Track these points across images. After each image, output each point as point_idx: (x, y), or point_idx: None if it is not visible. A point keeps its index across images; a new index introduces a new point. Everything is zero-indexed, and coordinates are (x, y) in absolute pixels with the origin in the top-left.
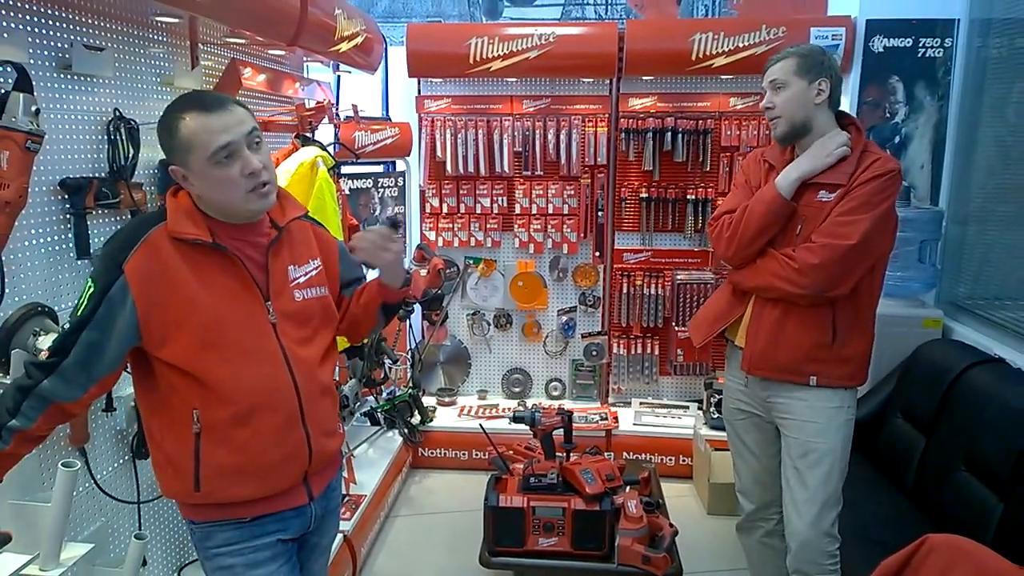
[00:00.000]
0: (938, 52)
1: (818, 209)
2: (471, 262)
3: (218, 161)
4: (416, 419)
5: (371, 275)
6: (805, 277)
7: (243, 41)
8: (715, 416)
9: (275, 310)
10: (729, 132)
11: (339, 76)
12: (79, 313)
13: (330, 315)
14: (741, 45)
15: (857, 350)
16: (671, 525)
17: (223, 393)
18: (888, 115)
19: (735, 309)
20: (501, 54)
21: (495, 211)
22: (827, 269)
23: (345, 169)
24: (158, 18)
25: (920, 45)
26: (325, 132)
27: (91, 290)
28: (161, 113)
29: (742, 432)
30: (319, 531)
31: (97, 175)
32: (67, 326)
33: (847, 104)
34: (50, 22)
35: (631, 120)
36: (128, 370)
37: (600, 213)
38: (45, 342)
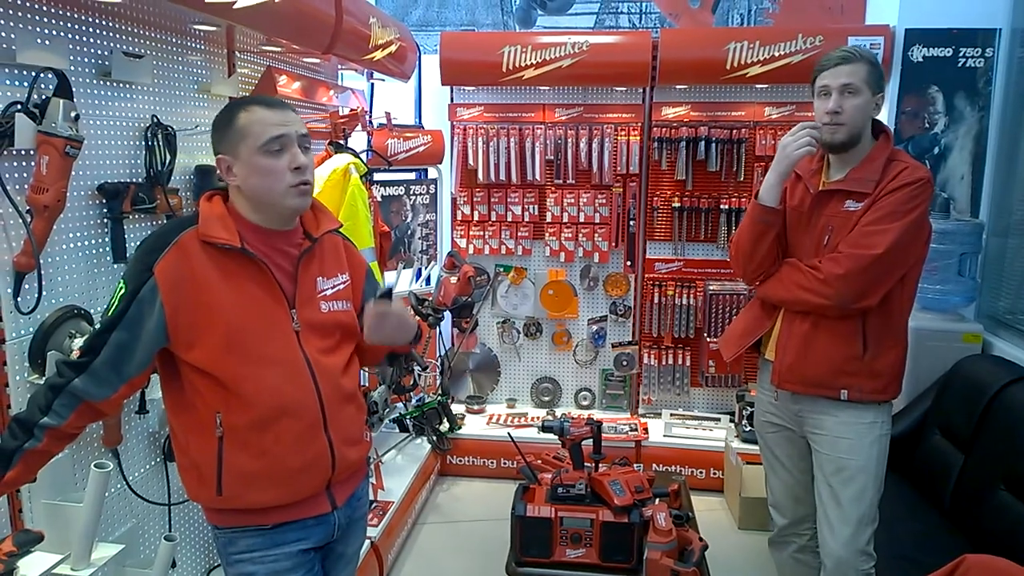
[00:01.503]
0: (979, 62)
1: (845, 219)
2: (501, 270)
3: (268, 151)
4: (445, 426)
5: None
6: (830, 288)
7: (279, 49)
8: (747, 429)
9: (300, 319)
10: (764, 141)
11: (373, 84)
12: (110, 313)
13: (353, 329)
14: (777, 54)
15: (888, 362)
16: (701, 539)
17: (246, 398)
18: (927, 125)
19: (764, 322)
20: (534, 62)
21: (526, 219)
22: (853, 279)
23: (377, 176)
24: (196, 26)
25: (960, 55)
26: (358, 139)
27: (122, 291)
28: (215, 115)
29: (774, 446)
30: (344, 540)
31: (134, 180)
32: (99, 326)
33: (885, 113)
34: (90, 30)
35: (664, 129)
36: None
37: (632, 222)
38: (80, 344)
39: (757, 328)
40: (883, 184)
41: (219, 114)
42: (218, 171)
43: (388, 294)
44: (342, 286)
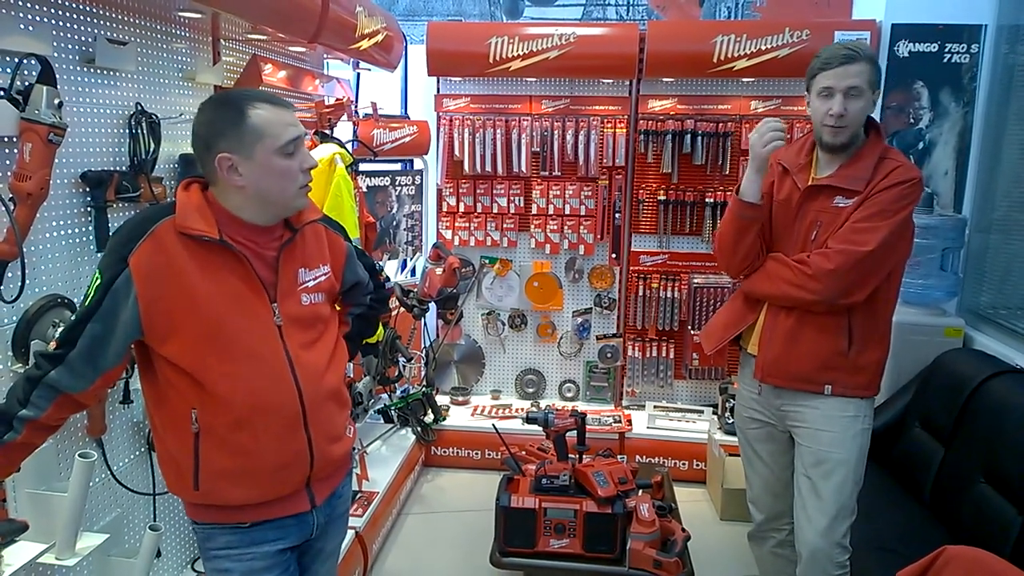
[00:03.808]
0: (964, 58)
1: (834, 215)
2: (487, 261)
3: (287, 152)
4: (429, 417)
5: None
6: (819, 283)
7: (264, 37)
8: (729, 421)
9: (281, 313)
10: (749, 135)
11: (359, 73)
12: (86, 304)
13: (333, 319)
14: (764, 48)
15: (873, 359)
16: (683, 529)
17: (222, 398)
18: (912, 121)
19: (747, 316)
20: (521, 54)
21: (512, 211)
22: (842, 275)
23: (363, 166)
24: (181, 13)
25: (946, 50)
26: (344, 129)
27: (98, 281)
28: (204, 105)
29: (754, 442)
30: (323, 537)
31: (118, 169)
32: (74, 317)
33: None
34: (74, 16)
35: (650, 122)
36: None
37: (617, 215)
38: (57, 335)
39: (740, 321)
40: (875, 182)
41: (218, 111)
42: (219, 171)
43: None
44: (323, 278)
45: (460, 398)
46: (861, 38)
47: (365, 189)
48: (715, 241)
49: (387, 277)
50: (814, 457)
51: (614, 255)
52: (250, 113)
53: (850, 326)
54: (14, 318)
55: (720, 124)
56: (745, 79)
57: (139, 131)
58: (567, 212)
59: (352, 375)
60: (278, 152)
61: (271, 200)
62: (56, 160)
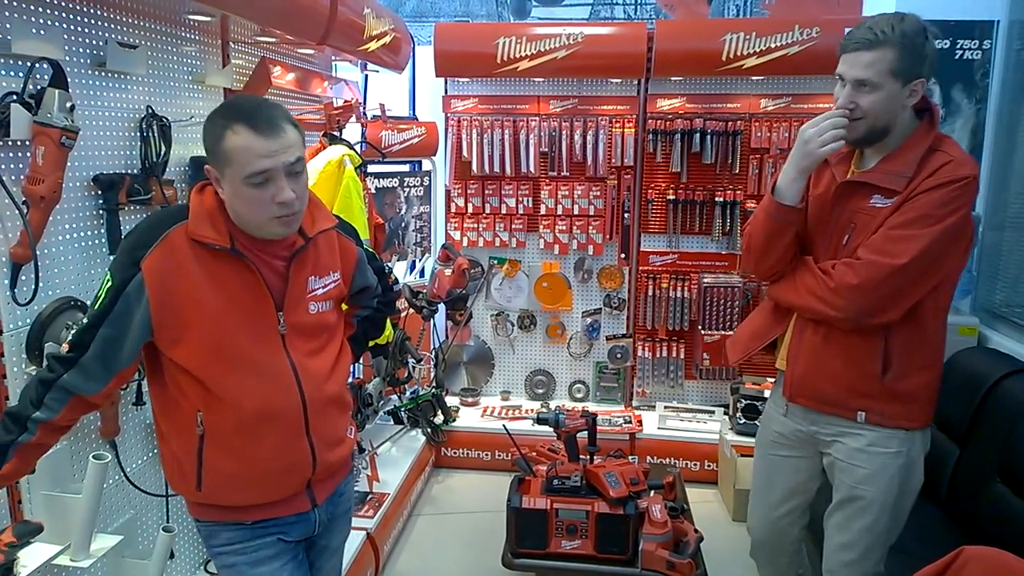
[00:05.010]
0: (976, 54)
1: (869, 217)
2: (496, 262)
3: (252, 183)
4: (439, 418)
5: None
6: (841, 299)
7: (273, 40)
8: (741, 421)
9: (286, 322)
10: (759, 134)
11: (367, 75)
12: (97, 307)
13: (339, 325)
14: (773, 46)
15: (918, 385)
16: (696, 531)
17: (228, 402)
18: None
19: (775, 327)
20: (529, 54)
21: (520, 211)
22: (868, 292)
23: (371, 168)
24: (191, 16)
25: (958, 47)
26: (352, 131)
27: (109, 284)
28: (210, 111)
29: (774, 468)
30: (327, 534)
31: (129, 172)
32: (86, 320)
33: None
34: (85, 20)
35: (659, 121)
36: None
37: (626, 215)
38: (69, 338)
39: (767, 332)
40: (918, 181)
41: (208, 121)
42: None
43: None
44: (332, 285)
45: (470, 399)
46: None
47: (374, 190)
48: (744, 238)
49: (396, 279)
50: (846, 492)
51: (623, 255)
52: (226, 135)
53: (887, 347)
54: (28, 321)
55: (730, 123)
56: (755, 77)
57: (150, 134)
58: (576, 212)
59: (362, 376)
60: (244, 181)
61: (245, 221)
62: (68, 163)
